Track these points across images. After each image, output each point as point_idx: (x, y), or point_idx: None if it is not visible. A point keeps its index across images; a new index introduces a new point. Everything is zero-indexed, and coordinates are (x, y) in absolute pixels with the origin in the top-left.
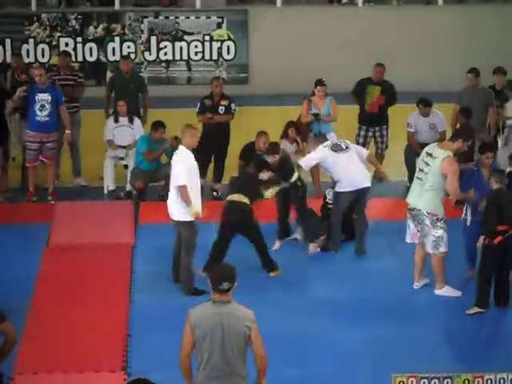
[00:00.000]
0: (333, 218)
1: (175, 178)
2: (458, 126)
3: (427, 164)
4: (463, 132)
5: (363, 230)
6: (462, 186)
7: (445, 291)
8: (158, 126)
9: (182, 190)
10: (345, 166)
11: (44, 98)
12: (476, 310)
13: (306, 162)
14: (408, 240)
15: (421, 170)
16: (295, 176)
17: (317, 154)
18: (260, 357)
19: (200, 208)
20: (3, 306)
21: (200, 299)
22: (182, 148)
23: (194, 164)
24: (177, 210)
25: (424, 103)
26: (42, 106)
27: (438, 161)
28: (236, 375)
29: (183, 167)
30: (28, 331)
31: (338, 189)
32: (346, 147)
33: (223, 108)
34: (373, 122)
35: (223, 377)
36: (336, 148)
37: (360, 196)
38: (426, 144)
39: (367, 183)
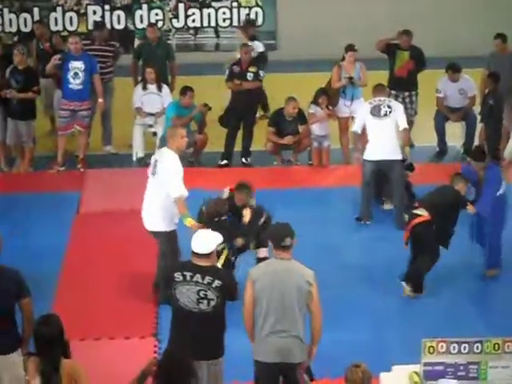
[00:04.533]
0: (361, 188)
1: (167, 188)
2: (486, 90)
3: None
4: None
5: (400, 204)
6: None
7: None
8: (186, 89)
9: (180, 201)
10: (373, 133)
11: (77, 66)
12: None
13: (357, 126)
14: None
15: None
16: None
17: (360, 112)
18: (316, 316)
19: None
20: (34, 274)
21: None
22: (168, 152)
23: (182, 170)
24: (159, 219)
25: (453, 68)
26: (76, 74)
27: None
28: (293, 335)
29: (177, 176)
30: (59, 298)
31: (363, 156)
32: (385, 114)
33: (252, 75)
34: (402, 87)
35: (281, 334)
36: (374, 111)
37: (386, 169)
38: (456, 109)
39: (391, 156)
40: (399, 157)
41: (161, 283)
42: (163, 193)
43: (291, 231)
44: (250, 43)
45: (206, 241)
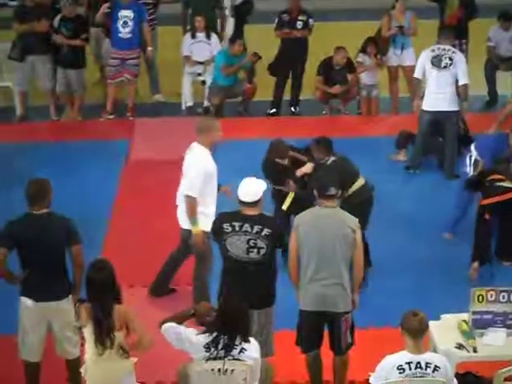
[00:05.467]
0: (416, 137)
1: (187, 184)
2: None
3: None
4: None
5: (452, 154)
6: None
7: None
8: (235, 37)
9: (190, 201)
10: (431, 82)
11: (127, 14)
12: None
13: (418, 73)
14: None
15: None
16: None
17: (421, 58)
18: (357, 265)
19: (207, 225)
20: (84, 221)
21: None
22: (198, 147)
23: (213, 168)
24: (185, 217)
25: (505, 17)
26: (125, 22)
27: None
28: (335, 282)
29: (199, 175)
30: (108, 246)
31: (422, 106)
32: (445, 66)
33: (301, 23)
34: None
35: (322, 281)
36: (435, 60)
37: (442, 119)
38: (506, 58)
39: (448, 107)
40: (456, 108)
41: (196, 284)
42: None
43: (337, 181)
44: None
45: (253, 189)
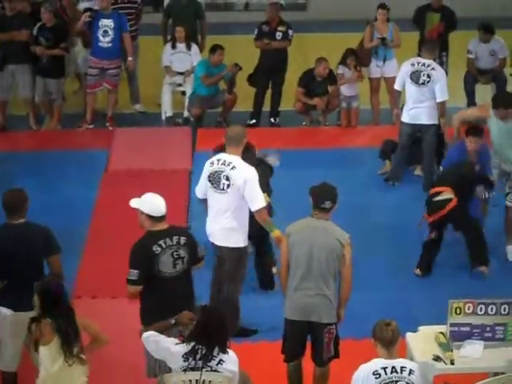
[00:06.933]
0: (397, 149)
1: (253, 200)
2: None
3: None
4: None
5: (429, 166)
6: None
7: None
8: (216, 47)
9: (263, 211)
10: (410, 97)
11: (107, 24)
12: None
13: (398, 85)
14: None
15: None
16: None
17: (401, 71)
18: (345, 280)
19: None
20: (63, 231)
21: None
22: (236, 159)
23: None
24: (227, 235)
25: (485, 29)
26: (105, 32)
27: None
28: (320, 293)
29: (257, 185)
30: (87, 256)
31: (401, 118)
32: (423, 83)
33: (281, 34)
34: None
35: (306, 291)
36: (413, 76)
37: (421, 132)
38: (486, 71)
39: (427, 120)
40: (435, 121)
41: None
42: (239, 207)
43: (334, 195)
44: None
45: (162, 202)
